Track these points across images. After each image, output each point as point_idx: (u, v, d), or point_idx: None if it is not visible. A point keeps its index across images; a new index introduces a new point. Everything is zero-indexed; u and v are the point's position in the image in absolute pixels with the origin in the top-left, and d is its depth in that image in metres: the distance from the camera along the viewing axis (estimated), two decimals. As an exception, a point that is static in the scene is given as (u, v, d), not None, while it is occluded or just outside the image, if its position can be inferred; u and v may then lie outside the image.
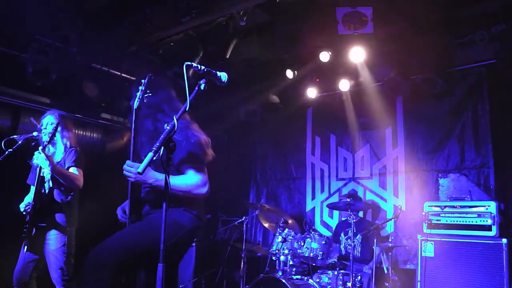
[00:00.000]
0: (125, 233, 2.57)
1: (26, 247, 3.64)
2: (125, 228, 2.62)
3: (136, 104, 2.62)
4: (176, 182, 2.47)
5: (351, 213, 5.00)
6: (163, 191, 2.28)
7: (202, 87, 2.39)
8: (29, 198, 3.84)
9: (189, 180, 2.55)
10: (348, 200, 5.32)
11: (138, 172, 2.21)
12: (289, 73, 5.86)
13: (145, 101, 2.64)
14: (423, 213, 4.79)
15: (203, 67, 2.42)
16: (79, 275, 3.39)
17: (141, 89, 2.64)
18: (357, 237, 5.07)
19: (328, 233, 6.05)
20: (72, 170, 3.79)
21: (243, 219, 5.49)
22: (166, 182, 2.22)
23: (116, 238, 2.51)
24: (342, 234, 5.53)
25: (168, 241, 2.20)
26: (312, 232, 4.99)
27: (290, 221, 5.43)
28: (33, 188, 3.78)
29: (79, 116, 5.82)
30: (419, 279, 4.60)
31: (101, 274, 2.35)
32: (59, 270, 3.62)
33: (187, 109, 2.33)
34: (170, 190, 2.29)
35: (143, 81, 2.66)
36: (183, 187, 2.52)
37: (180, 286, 5.44)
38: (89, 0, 4.59)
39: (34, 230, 3.68)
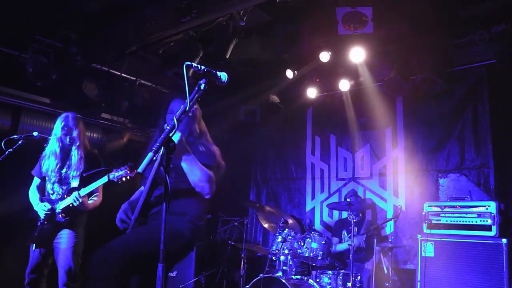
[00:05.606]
0: (131, 238, 2.57)
1: (34, 244, 3.67)
2: (129, 232, 2.62)
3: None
4: (196, 163, 2.58)
5: (351, 213, 5.00)
6: (183, 174, 2.54)
7: (202, 87, 2.38)
8: (33, 190, 3.87)
9: (206, 171, 2.63)
10: (348, 200, 5.31)
11: (138, 172, 2.20)
12: (289, 73, 5.85)
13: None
14: (423, 213, 4.79)
15: (203, 67, 2.40)
16: (82, 276, 3.40)
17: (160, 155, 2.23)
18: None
19: (328, 233, 6.05)
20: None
21: (243, 219, 5.50)
22: (167, 183, 2.21)
23: (121, 242, 2.51)
24: (344, 232, 5.52)
25: (168, 248, 2.18)
26: (312, 232, 4.99)
27: (290, 221, 5.43)
28: (36, 180, 3.89)
29: (79, 116, 5.82)
30: (419, 279, 4.60)
31: (107, 277, 2.36)
32: (67, 269, 3.64)
33: (187, 109, 2.32)
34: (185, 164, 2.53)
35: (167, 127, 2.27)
36: (199, 171, 2.59)
37: (180, 286, 5.44)
38: (89, 0, 4.59)
39: (47, 228, 3.70)
